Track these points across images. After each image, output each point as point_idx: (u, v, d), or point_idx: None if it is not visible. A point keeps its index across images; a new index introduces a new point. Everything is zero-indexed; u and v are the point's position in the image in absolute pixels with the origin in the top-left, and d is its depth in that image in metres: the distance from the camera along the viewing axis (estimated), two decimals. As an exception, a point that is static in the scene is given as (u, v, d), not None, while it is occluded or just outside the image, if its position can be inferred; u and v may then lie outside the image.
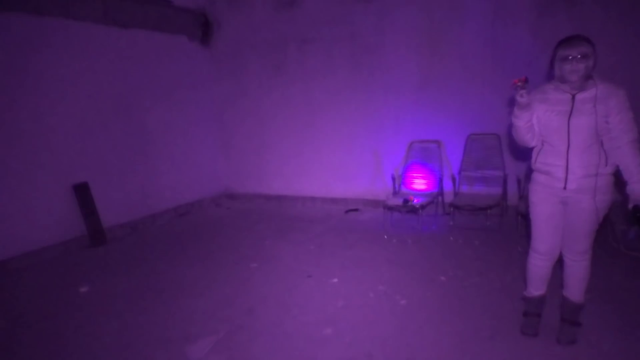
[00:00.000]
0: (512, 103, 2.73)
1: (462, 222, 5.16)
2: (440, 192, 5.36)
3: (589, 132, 2.43)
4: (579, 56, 2.37)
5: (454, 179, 5.27)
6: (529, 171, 2.81)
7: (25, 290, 3.99)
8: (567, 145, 2.48)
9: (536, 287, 2.85)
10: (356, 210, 6.15)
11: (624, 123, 2.40)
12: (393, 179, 5.55)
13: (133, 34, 5.53)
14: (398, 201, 5.03)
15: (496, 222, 4.94)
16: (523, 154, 4.88)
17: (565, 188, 2.53)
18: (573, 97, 2.47)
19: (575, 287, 2.75)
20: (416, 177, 5.66)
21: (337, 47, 6.00)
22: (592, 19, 4.69)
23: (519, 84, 2.43)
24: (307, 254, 4.52)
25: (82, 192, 5.00)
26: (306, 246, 4.76)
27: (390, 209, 5.10)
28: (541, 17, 4.92)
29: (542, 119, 2.57)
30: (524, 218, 4.34)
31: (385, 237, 4.92)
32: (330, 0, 5.91)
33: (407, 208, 4.95)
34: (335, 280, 3.85)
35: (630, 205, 2.44)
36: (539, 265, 2.78)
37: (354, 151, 6.21)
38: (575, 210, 2.57)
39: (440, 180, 5.36)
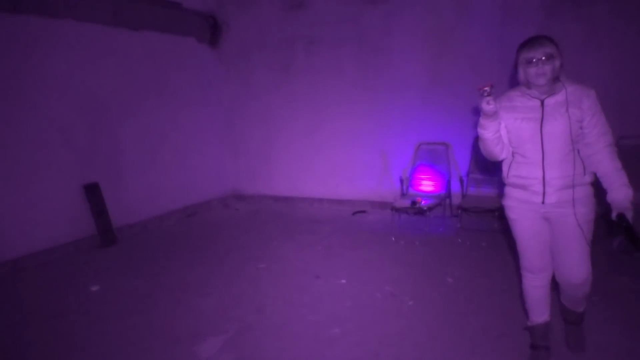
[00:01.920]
0: (476, 112, 2.54)
1: (470, 224, 5.15)
2: (448, 194, 5.36)
3: (564, 139, 2.22)
4: (544, 58, 2.17)
5: (461, 181, 5.27)
6: (501, 185, 2.59)
7: (37, 288, 4.04)
8: (541, 155, 2.26)
9: (538, 313, 2.56)
10: (363, 211, 6.16)
11: (599, 126, 2.22)
12: (401, 180, 5.56)
13: (142, 36, 5.59)
14: (405, 203, 5.04)
15: (503, 224, 4.93)
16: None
17: (543, 202, 2.31)
18: (542, 102, 2.27)
19: (574, 304, 2.58)
20: (424, 179, 5.66)
21: (345, 48, 6.02)
22: (599, 19, 4.69)
23: (486, 89, 2.21)
24: (315, 255, 4.54)
25: (92, 192, 5.05)
26: (314, 247, 4.78)
27: (398, 210, 5.11)
28: (549, 18, 4.92)
29: (511, 129, 2.34)
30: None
31: (393, 238, 4.92)
32: (337, 1, 5.95)
33: (415, 210, 4.96)
34: (343, 280, 3.87)
35: (613, 215, 2.25)
36: (535, 286, 2.52)
37: (361, 152, 6.23)
38: (559, 226, 2.34)
39: (448, 182, 5.36)
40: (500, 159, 2.46)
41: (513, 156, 2.41)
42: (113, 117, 5.31)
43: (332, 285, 3.79)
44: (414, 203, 4.94)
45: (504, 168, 2.48)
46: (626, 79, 4.70)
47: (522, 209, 2.42)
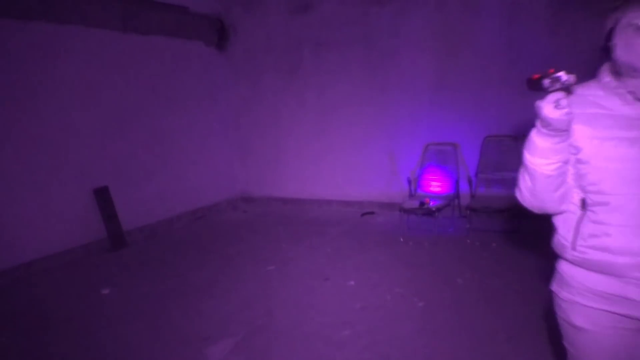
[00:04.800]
0: (524, 131, 1.39)
1: (479, 224, 5.11)
2: (457, 195, 5.34)
3: None
4: None
5: (470, 181, 5.25)
6: (552, 254, 1.49)
7: (49, 291, 4.08)
8: None
9: None
10: (372, 213, 6.15)
11: None
12: (409, 181, 5.54)
13: (151, 40, 5.64)
14: (414, 204, 5.03)
15: (514, 225, 4.90)
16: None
17: None
18: None
19: None
20: (432, 180, 5.64)
21: (352, 50, 6.02)
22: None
23: (559, 75, 1.16)
24: (324, 257, 4.54)
25: (102, 196, 5.09)
26: (323, 249, 4.78)
27: (407, 211, 5.09)
28: (557, 15, 4.88)
29: (588, 157, 1.28)
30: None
31: (402, 239, 4.91)
32: (344, 3, 5.95)
33: (424, 211, 4.94)
34: (352, 282, 3.87)
35: None
36: None
37: (369, 154, 6.22)
38: None
39: (457, 183, 5.33)
40: (557, 210, 1.40)
41: (585, 208, 1.33)
42: (122, 121, 5.35)
43: (341, 287, 3.79)
44: (422, 204, 4.93)
45: (563, 230, 1.40)
46: None
47: (602, 311, 1.34)
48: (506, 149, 5.17)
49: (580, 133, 1.28)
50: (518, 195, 1.46)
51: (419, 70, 5.67)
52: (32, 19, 4.44)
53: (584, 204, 1.33)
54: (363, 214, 6.13)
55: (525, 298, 3.34)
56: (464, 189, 5.36)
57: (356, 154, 6.31)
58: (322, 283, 3.90)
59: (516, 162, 4.78)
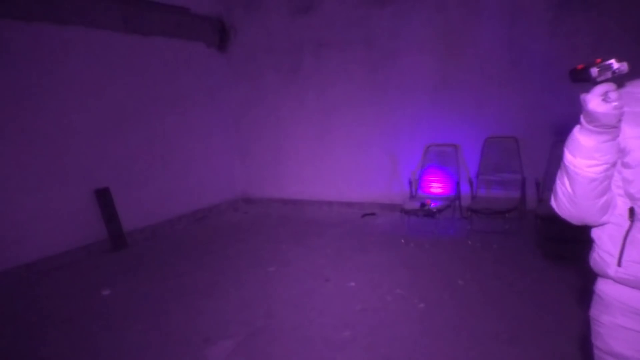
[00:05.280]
0: (565, 128, 1.31)
1: (480, 225, 5.11)
2: (458, 196, 5.33)
3: None
4: None
5: (471, 183, 5.24)
6: (591, 274, 1.36)
7: (50, 292, 4.08)
8: None
9: None
10: (373, 214, 6.14)
11: None
12: (410, 182, 5.54)
13: (152, 42, 5.64)
14: (415, 205, 5.02)
15: (514, 226, 4.89)
16: (541, 155, 4.81)
17: None
18: None
19: None
20: (433, 181, 5.64)
21: (353, 51, 6.02)
22: (610, 19, 4.63)
23: (609, 62, 1.05)
24: (324, 258, 4.54)
25: (103, 197, 5.09)
26: (323, 250, 4.77)
27: (407, 212, 5.08)
28: (558, 17, 4.88)
29: (637, 160, 1.15)
30: (543, 221, 4.27)
31: (402, 241, 4.91)
32: (345, 4, 5.95)
33: (424, 212, 4.93)
34: (353, 284, 3.86)
35: None
36: None
37: (370, 155, 6.22)
38: None
39: (458, 184, 5.33)
40: (598, 222, 1.26)
41: (634, 218, 1.19)
42: (123, 122, 5.36)
43: (342, 289, 3.79)
44: (423, 205, 4.92)
45: (607, 244, 1.26)
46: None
47: None
48: (507, 150, 5.17)
49: (628, 133, 1.14)
50: (553, 203, 1.29)
51: (420, 71, 5.67)
52: (33, 20, 4.45)
53: (632, 214, 1.18)
54: (364, 215, 6.13)
55: (526, 299, 3.34)
56: (465, 190, 5.35)
57: (357, 154, 6.31)
58: (322, 284, 3.89)
59: (516, 163, 4.76)
